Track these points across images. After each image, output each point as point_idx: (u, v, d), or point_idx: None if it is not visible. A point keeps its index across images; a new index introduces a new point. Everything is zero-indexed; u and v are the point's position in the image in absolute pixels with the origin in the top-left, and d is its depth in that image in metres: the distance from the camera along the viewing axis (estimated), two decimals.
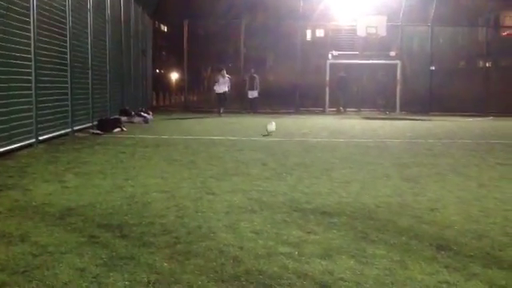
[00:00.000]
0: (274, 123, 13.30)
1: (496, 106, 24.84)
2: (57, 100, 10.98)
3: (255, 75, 24.19)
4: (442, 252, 3.95)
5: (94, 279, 3.29)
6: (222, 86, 22.00)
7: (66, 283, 3.21)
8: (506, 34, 30.86)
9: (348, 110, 25.54)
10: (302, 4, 25.72)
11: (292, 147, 10.61)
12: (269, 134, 12.87)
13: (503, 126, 18.16)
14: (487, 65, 28.14)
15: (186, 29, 25.67)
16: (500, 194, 6.18)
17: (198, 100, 30.12)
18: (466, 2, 32.32)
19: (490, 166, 8.42)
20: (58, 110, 11.08)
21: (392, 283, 3.33)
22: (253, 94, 24.14)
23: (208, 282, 3.28)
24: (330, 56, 25.05)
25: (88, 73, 13.44)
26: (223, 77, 22.12)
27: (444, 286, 3.30)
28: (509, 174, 7.68)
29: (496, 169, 8.19)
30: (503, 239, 4.33)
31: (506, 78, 26.63)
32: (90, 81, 13.53)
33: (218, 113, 21.83)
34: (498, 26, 33.93)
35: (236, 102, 25.54)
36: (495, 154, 10.04)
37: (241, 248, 3.96)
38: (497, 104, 25.09)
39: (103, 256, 3.71)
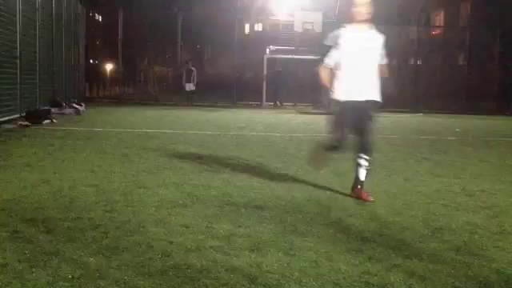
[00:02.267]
0: None
1: (426, 103, 25.79)
2: None
3: (192, 68, 24.10)
4: (367, 244, 4.09)
5: (16, 275, 3.20)
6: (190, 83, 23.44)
7: None
8: (435, 32, 32.11)
9: (284, 104, 25.83)
10: None
11: (228, 141, 10.63)
12: None
13: (432, 123, 18.91)
14: (418, 62, 29.19)
15: (120, 18, 25.12)
16: (424, 187, 6.44)
17: (133, 92, 29.60)
18: (398, 1, 33.33)
19: (416, 161, 8.76)
20: None
21: (317, 274, 3.42)
22: (189, 86, 24.05)
23: (135, 276, 3.25)
24: (267, 51, 25.26)
25: (16, 62, 12.93)
26: (190, 71, 23.37)
27: (366, 276, 3.42)
28: (434, 168, 8.01)
29: (422, 163, 8.53)
30: (424, 231, 4.53)
31: (435, 75, 27.74)
32: (18, 70, 13.02)
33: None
34: (428, 24, 35.17)
35: (173, 95, 25.31)
36: (422, 149, 10.44)
37: (170, 242, 3.94)
38: (427, 101, 26.07)
39: (26, 251, 3.60)
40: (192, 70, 24.08)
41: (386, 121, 18.66)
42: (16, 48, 12.85)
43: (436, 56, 31.48)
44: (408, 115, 22.80)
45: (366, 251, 3.91)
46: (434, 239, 4.30)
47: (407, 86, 26.80)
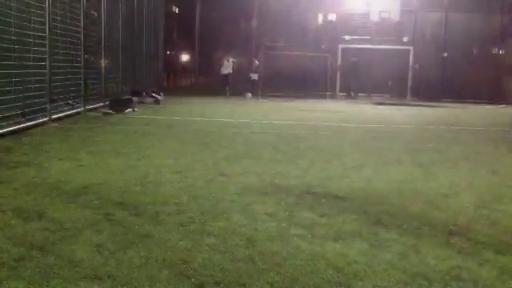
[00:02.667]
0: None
1: (508, 94, 24.61)
2: (69, 79, 11.03)
3: (255, 59, 24.40)
4: (455, 238, 3.97)
5: (110, 255, 3.34)
6: (227, 68, 23.48)
7: (83, 259, 3.26)
8: None
9: (359, 95, 25.43)
10: None
11: (303, 131, 10.61)
12: None
13: None
14: (500, 52, 27.84)
15: (198, 11, 25.58)
16: None
17: (208, 82, 30.09)
18: None
19: (501, 154, 8.40)
20: (71, 89, 11.13)
21: (405, 267, 3.35)
22: (253, 76, 24.42)
23: (223, 261, 3.32)
24: (345, 38, 24.89)
25: (101, 53, 13.47)
26: (228, 60, 23.64)
27: (457, 270, 3.32)
28: None
29: (508, 156, 8.17)
30: None
31: None
32: (102, 61, 13.56)
33: (225, 94, 22.79)
34: None
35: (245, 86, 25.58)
36: (508, 141, 9.99)
37: (254, 229, 3.99)
38: (510, 91, 24.86)
39: (119, 233, 3.76)
40: (254, 62, 24.47)
41: (467, 112, 17.99)
42: (100, 39, 13.37)
43: None
44: (490, 107, 21.84)
45: (454, 245, 3.80)
46: None
47: (489, 76, 25.64)
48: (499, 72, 25.96)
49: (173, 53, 36.96)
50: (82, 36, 11.69)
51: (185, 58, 38.78)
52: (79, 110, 11.66)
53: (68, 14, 10.85)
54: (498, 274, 3.30)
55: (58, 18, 10.18)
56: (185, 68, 35.90)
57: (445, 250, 3.68)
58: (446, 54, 25.84)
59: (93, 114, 12.30)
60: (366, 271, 3.26)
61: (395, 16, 23.61)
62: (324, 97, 24.69)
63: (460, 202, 5.11)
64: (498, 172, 6.77)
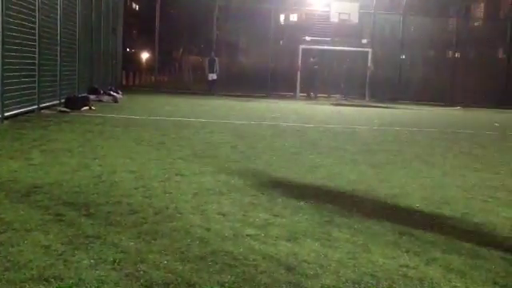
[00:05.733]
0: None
1: (463, 97, 25.29)
2: (23, 76, 10.76)
3: (215, 58, 24.37)
4: (404, 237, 4.06)
5: (59, 257, 3.28)
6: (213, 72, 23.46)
7: (30, 260, 3.19)
8: (475, 24, 31.34)
9: (318, 95, 25.69)
10: None
11: (262, 131, 10.66)
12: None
13: (469, 116, 18.58)
14: (456, 55, 28.59)
15: (158, 7, 25.33)
16: (462, 182, 6.34)
17: (168, 80, 29.85)
18: None
19: (453, 155, 8.63)
20: (25, 86, 10.86)
21: (354, 266, 3.41)
22: (212, 76, 24.39)
23: (174, 261, 3.30)
24: (306, 39, 25.09)
25: (57, 49, 13.18)
26: (214, 60, 23.34)
27: (404, 269, 3.40)
28: (472, 162, 7.88)
29: (459, 157, 8.40)
30: (463, 226, 4.47)
31: (473, 68, 27.12)
32: (58, 57, 13.28)
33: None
34: (468, 16, 34.42)
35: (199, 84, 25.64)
36: (460, 143, 10.28)
37: (208, 229, 3.99)
38: (464, 94, 25.55)
39: (69, 234, 3.69)
40: (215, 60, 24.36)
41: (422, 114, 18.42)
42: (56, 35, 13.09)
43: (474, 49, 30.76)
44: (445, 108, 22.42)
45: (403, 244, 3.88)
46: (474, 234, 4.24)
47: (445, 78, 26.32)
48: (455, 74, 26.64)
49: (132, 50, 36.53)
50: (37, 32, 11.41)
51: (145, 56, 38.39)
52: (33, 107, 11.38)
53: (22, 9, 10.56)
54: (444, 272, 3.39)
55: (12, 13, 9.90)
56: (145, 66, 35.52)
57: (393, 250, 3.76)
58: (403, 56, 26.35)
59: (47, 112, 12.02)
60: (316, 270, 3.30)
61: (354, 18, 23.92)
62: (285, 97, 24.82)
63: (410, 202, 5.23)
64: (449, 173, 6.95)
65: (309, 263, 3.42)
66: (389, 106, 22.11)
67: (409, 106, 22.51)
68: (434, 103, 24.29)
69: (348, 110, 18.52)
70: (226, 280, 3.08)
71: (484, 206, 5.18)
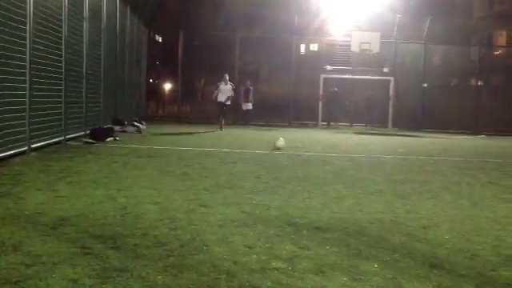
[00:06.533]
0: (282, 139, 13.14)
1: (487, 125, 25.02)
2: (50, 108, 10.95)
3: (250, 87, 24.31)
4: (435, 271, 3.96)
5: None
6: (224, 94, 19.46)
7: None
8: (497, 53, 31.17)
9: (340, 124, 25.65)
10: (296, 19, 25.91)
11: (285, 161, 10.63)
12: (277, 148, 12.62)
13: (494, 145, 18.30)
14: (479, 83, 28.40)
15: (181, 39, 25.75)
16: (492, 213, 6.22)
17: (191, 111, 30.12)
18: (459, 20, 32.66)
19: (481, 185, 8.48)
20: (51, 117, 11.04)
21: None
22: (247, 105, 24.26)
23: None
24: (327, 68, 25.18)
25: (82, 81, 13.43)
26: (226, 83, 19.46)
27: None
28: (501, 193, 7.73)
29: (488, 187, 8.24)
30: (495, 259, 4.35)
31: (497, 96, 26.88)
32: (84, 89, 13.51)
33: (220, 125, 19.25)
34: (490, 44, 34.26)
35: (230, 114, 25.59)
36: (487, 172, 10.10)
37: (234, 262, 3.95)
38: (488, 122, 25.28)
39: (96, 267, 3.69)
40: (250, 89, 24.26)
41: (447, 142, 18.22)
42: (82, 67, 13.35)
43: (498, 77, 30.54)
44: (469, 137, 22.15)
45: (434, 278, 3.79)
46: (506, 267, 4.13)
47: (468, 106, 26.09)
48: (478, 102, 26.41)
49: (156, 81, 37.02)
50: (64, 64, 11.65)
51: (168, 86, 38.86)
52: (59, 139, 11.54)
53: (49, 42, 10.81)
54: None
55: (39, 46, 10.14)
56: (168, 96, 35.93)
57: (424, 283, 3.67)
58: (425, 85, 26.25)
59: (73, 143, 12.18)
60: None
61: (375, 47, 23.98)
62: (306, 126, 24.84)
63: (439, 234, 5.12)
64: (478, 203, 6.82)
65: None
66: (412, 134, 21.94)
67: (432, 135, 22.31)
68: (457, 131, 24.04)
69: (371, 139, 18.41)
70: None
71: None
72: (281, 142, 12.90)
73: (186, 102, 29.21)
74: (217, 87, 19.91)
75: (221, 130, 18.99)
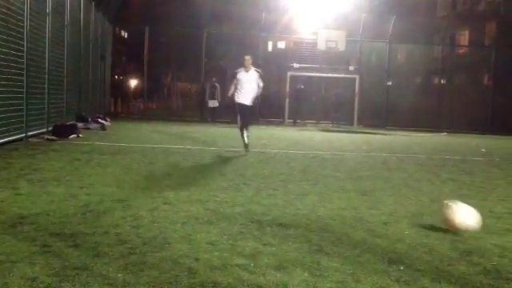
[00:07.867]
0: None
1: (449, 122, 25.55)
2: (11, 104, 10.71)
3: (216, 84, 24.23)
4: (394, 265, 4.05)
5: None
6: (246, 92, 12.41)
7: None
8: (460, 51, 31.85)
9: (306, 122, 25.82)
10: (264, 16, 25.95)
11: (251, 158, 10.65)
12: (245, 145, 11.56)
13: (456, 142, 18.72)
14: (442, 82, 28.99)
15: (146, 35, 25.49)
16: None
17: (156, 108, 29.89)
18: (423, 20, 33.26)
19: (441, 181, 8.67)
20: (12, 114, 10.80)
21: None
22: (214, 103, 24.18)
23: None
24: (294, 66, 25.31)
25: (45, 77, 13.17)
26: (247, 69, 11.88)
27: None
28: (460, 189, 7.92)
29: (448, 184, 8.44)
30: (452, 254, 4.46)
31: (459, 95, 27.49)
32: (46, 85, 13.26)
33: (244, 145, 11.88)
34: (453, 44, 34.94)
35: (196, 111, 25.48)
36: (448, 169, 10.33)
37: (196, 259, 3.96)
38: (450, 120, 25.82)
39: (55, 266, 3.64)
40: (216, 87, 24.18)
41: (409, 140, 18.54)
42: (44, 63, 13.10)
43: (460, 75, 31.26)
44: (431, 134, 22.60)
45: (393, 273, 3.87)
46: (463, 262, 4.24)
47: (431, 104, 26.59)
48: (441, 101, 26.95)
49: (121, 77, 36.60)
50: (25, 60, 11.41)
51: (133, 82, 38.47)
52: (20, 136, 11.30)
53: (10, 38, 10.57)
54: None
55: (1, 42, 9.91)
56: (133, 93, 35.57)
57: (383, 278, 3.74)
58: (389, 83, 26.65)
59: (35, 140, 11.95)
60: None
61: (341, 46, 24.22)
62: (273, 123, 24.92)
63: (399, 229, 5.23)
64: (437, 200, 6.97)
65: None
66: (376, 131, 22.25)
67: (396, 132, 22.68)
68: (420, 129, 24.50)
69: (336, 137, 18.61)
70: None
71: (473, 233, 5.18)
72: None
73: (152, 98, 28.99)
74: (234, 77, 12.30)
75: (246, 149, 11.73)
